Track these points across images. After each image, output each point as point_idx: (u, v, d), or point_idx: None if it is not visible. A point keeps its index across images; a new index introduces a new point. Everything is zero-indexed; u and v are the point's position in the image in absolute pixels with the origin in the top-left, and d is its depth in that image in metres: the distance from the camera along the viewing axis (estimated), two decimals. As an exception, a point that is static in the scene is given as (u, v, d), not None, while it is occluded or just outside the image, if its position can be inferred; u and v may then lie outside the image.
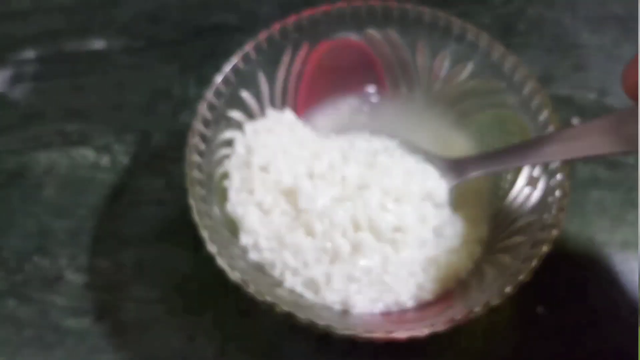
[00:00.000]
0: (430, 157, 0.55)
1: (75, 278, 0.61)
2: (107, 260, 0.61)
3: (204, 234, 0.46)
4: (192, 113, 0.53)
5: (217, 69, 0.55)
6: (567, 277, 0.58)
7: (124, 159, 0.67)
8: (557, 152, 0.47)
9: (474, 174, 0.53)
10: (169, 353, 0.56)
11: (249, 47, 0.54)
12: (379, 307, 0.50)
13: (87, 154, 0.68)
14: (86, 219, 0.64)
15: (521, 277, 0.44)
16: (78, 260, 0.61)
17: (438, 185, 0.53)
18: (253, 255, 0.52)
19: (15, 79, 0.73)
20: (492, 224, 0.54)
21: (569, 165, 0.48)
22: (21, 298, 0.60)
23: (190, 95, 0.70)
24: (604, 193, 0.63)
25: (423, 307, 0.50)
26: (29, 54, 0.75)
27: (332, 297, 0.49)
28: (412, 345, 0.46)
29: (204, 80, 0.55)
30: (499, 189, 0.55)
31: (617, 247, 0.60)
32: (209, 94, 0.52)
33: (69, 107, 0.71)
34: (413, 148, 0.56)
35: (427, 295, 0.50)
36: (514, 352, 0.56)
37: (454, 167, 0.54)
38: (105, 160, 0.67)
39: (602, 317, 0.57)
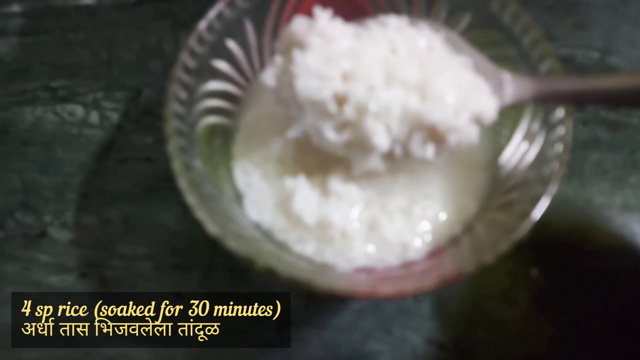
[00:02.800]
0: (480, 64, 0.49)
1: (59, 235, 0.59)
2: (93, 216, 0.60)
3: (182, 183, 0.44)
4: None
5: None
6: (563, 240, 0.57)
7: (113, 116, 0.65)
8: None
9: (527, 99, 0.47)
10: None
11: (234, -9, 0.52)
12: (363, 262, 0.49)
13: (74, 110, 0.66)
14: (72, 175, 0.62)
15: (517, 234, 0.42)
16: (63, 216, 0.60)
17: (489, 105, 0.46)
18: (253, 215, 0.51)
19: (0, 33, 0.71)
20: (487, 180, 0.52)
21: (571, 118, 0.46)
22: (2, 255, 0.59)
23: (182, 52, 0.68)
24: (604, 154, 0.61)
25: (410, 264, 0.48)
26: (15, 8, 0.72)
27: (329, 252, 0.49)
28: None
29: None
30: (494, 144, 0.53)
31: (617, 210, 0.58)
32: (192, 41, 0.50)
33: (56, 62, 0.69)
34: (459, 45, 0.50)
35: (415, 254, 0.49)
36: (506, 317, 0.54)
37: (506, 83, 0.47)
38: (93, 116, 0.66)
39: (600, 282, 0.55)
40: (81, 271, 0.58)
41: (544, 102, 0.48)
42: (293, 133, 0.48)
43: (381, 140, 0.45)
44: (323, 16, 0.47)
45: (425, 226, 0.50)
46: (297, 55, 0.45)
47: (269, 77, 0.49)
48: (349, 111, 0.45)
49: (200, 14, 0.57)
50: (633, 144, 0.61)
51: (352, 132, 0.46)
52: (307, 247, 0.49)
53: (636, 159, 0.60)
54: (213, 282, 0.56)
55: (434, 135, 0.45)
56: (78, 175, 0.62)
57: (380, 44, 0.46)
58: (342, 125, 0.46)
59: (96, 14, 0.72)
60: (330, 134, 0.46)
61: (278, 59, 0.48)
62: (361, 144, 0.46)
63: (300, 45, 0.46)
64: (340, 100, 0.45)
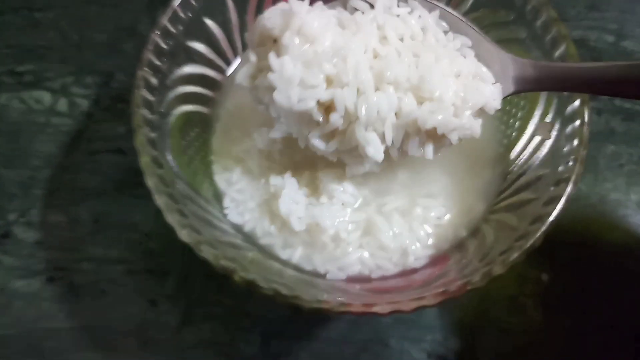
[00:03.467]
0: (480, 44, 0.43)
1: (25, 235, 0.54)
2: (61, 215, 0.55)
3: (151, 183, 0.39)
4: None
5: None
6: (576, 240, 0.52)
7: (83, 103, 0.60)
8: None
9: (532, 86, 0.42)
10: (128, 320, 0.50)
11: (213, -34, 0.46)
12: (357, 270, 0.44)
13: (41, 97, 0.61)
14: (39, 169, 0.57)
15: (530, 243, 0.37)
16: (29, 215, 0.55)
17: (493, 94, 0.41)
18: (233, 217, 0.46)
19: (-41, 12, 0.65)
20: (496, 177, 0.47)
21: (588, 108, 0.41)
22: (-38, 257, 0.53)
23: (159, 33, 0.62)
24: (619, 147, 0.56)
25: (410, 272, 0.44)
26: (-24, -17, 0.67)
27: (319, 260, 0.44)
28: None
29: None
30: (504, 137, 0.48)
31: (634, 208, 0.54)
32: (164, 19, 0.44)
33: (22, 45, 0.63)
34: (456, 24, 0.44)
35: (416, 261, 0.44)
36: (513, 326, 0.50)
37: (510, 67, 0.42)
38: (62, 104, 0.60)
39: (616, 288, 0.51)
40: (48, 275, 0.53)
41: (550, 89, 0.43)
42: (276, 134, 0.43)
43: (375, 151, 0.40)
44: (301, 8, 0.40)
45: (427, 229, 0.45)
46: (273, 61, 0.39)
47: (243, 76, 0.43)
48: (336, 120, 0.40)
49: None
50: (649, 135, 0.56)
51: (342, 141, 0.41)
52: (295, 253, 0.45)
53: (654, 152, 0.55)
54: (191, 288, 0.51)
55: (434, 136, 0.40)
56: (45, 169, 0.57)
57: (368, 32, 0.40)
58: (331, 134, 0.41)
59: (66, -10, 0.66)
60: (318, 143, 0.41)
61: (252, 57, 0.42)
62: (353, 151, 0.41)
63: (277, 45, 0.40)
64: (327, 107, 0.40)
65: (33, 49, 0.63)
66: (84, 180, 0.56)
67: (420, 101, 0.39)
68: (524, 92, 0.42)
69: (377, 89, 0.39)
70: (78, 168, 0.57)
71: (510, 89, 0.42)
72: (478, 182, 0.47)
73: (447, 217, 0.46)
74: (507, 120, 0.48)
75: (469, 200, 0.46)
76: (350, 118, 0.39)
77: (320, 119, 0.40)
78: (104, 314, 0.51)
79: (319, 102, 0.39)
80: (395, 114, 0.39)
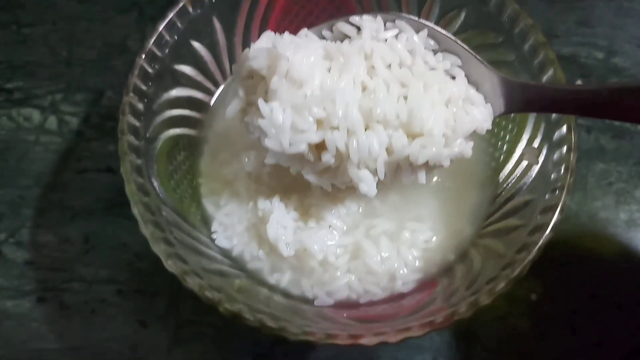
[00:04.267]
0: (469, 62, 0.43)
1: (14, 255, 0.54)
2: (51, 234, 0.55)
3: (137, 212, 0.39)
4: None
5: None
6: (564, 259, 0.52)
7: (72, 121, 0.60)
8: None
9: (521, 107, 0.42)
10: (118, 340, 0.50)
11: (199, -13, 0.46)
12: (345, 295, 0.44)
13: (31, 114, 0.60)
14: (28, 188, 0.57)
15: (516, 273, 0.37)
16: (18, 234, 0.55)
17: (483, 117, 0.41)
18: (221, 242, 0.46)
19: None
20: (484, 200, 0.47)
21: (574, 135, 0.41)
22: (-49, 277, 0.53)
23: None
24: (609, 165, 0.56)
25: (398, 297, 0.43)
26: (-36, 0, 0.66)
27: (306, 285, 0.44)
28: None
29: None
30: (492, 159, 0.48)
31: (623, 227, 0.54)
32: (150, 43, 0.44)
33: (11, 61, 0.63)
34: (445, 42, 0.44)
35: (403, 286, 0.44)
36: (502, 344, 0.50)
37: (500, 89, 0.41)
38: (51, 121, 0.60)
39: (607, 307, 0.51)
40: (38, 295, 0.53)
41: (540, 111, 0.43)
42: (270, 160, 0.42)
43: (369, 188, 0.40)
44: (286, 50, 0.39)
45: (415, 253, 0.45)
46: (263, 107, 0.39)
47: (233, 111, 0.42)
48: (328, 159, 0.40)
49: (169, 6, 0.51)
50: (638, 153, 0.56)
51: (335, 176, 0.41)
52: (283, 278, 0.45)
53: (642, 170, 0.55)
54: (181, 308, 0.51)
55: (426, 165, 0.40)
56: (34, 188, 0.57)
57: (355, 64, 0.40)
58: (323, 171, 0.41)
59: (56, 5, 0.66)
60: (312, 178, 0.41)
61: (240, 92, 0.41)
62: (347, 183, 0.41)
63: (264, 82, 0.40)
64: (318, 147, 0.40)
65: (22, 65, 0.63)
66: (73, 200, 0.56)
67: (411, 136, 0.39)
68: (513, 112, 0.42)
69: (367, 127, 0.39)
70: (68, 187, 0.57)
71: (501, 109, 0.42)
72: (467, 204, 0.47)
73: (435, 240, 0.46)
74: (495, 143, 0.48)
75: (457, 223, 0.46)
76: (342, 157, 0.39)
77: (312, 159, 0.40)
78: (94, 335, 0.51)
79: (310, 146, 0.39)
80: (387, 149, 0.39)
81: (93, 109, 0.60)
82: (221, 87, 0.52)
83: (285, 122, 0.38)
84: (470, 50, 0.43)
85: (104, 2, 0.66)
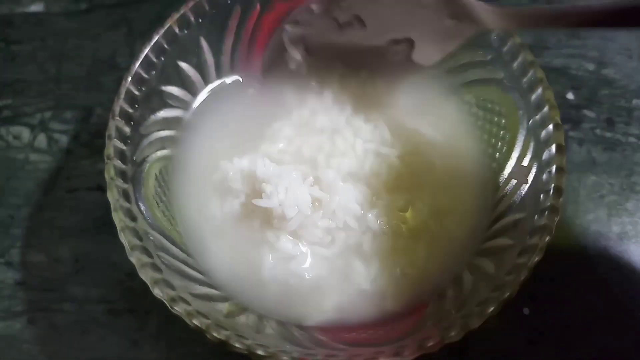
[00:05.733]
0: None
1: (5, 275, 0.54)
2: (41, 254, 0.55)
3: (124, 239, 0.39)
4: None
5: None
6: (557, 272, 0.52)
7: (62, 139, 0.59)
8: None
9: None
10: (110, 360, 0.50)
11: (186, 9, 0.46)
12: (335, 316, 0.44)
13: (20, 133, 0.60)
14: (18, 208, 0.56)
15: (506, 295, 0.37)
16: (8, 254, 0.55)
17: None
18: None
19: None
20: (474, 217, 0.47)
21: (563, 156, 0.41)
22: (-59, 299, 0.53)
23: (138, 65, 0.62)
24: (601, 177, 0.56)
25: (388, 320, 0.43)
26: (-48, 16, 0.66)
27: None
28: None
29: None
30: (486, 180, 0.48)
31: (615, 240, 0.53)
32: (136, 65, 0.44)
33: (0, 79, 0.63)
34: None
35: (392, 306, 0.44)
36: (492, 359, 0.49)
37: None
38: (40, 140, 0.60)
39: (597, 319, 0.50)
40: (29, 316, 0.52)
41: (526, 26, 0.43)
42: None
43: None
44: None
45: (406, 271, 0.45)
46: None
47: None
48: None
49: (158, 21, 0.51)
50: (630, 165, 0.56)
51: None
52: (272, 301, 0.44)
53: (633, 183, 0.55)
54: (173, 328, 0.51)
55: None
56: (24, 208, 0.56)
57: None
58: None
59: (44, 22, 0.66)
60: None
61: None
62: None
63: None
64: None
65: (10, 83, 0.62)
66: (63, 219, 0.56)
67: None
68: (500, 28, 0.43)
69: None
70: (58, 206, 0.56)
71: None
72: (461, 228, 0.47)
73: (427, 261, 0.46)
74: (492, 154, 0.48)
75: (450, 245, 0.46)
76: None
77: None
78: (86, 355, 0.51)
79: None
80: None
81: (82, 126, 0.60)
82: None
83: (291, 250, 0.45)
84: None
85: (92, 18, 0.65)
